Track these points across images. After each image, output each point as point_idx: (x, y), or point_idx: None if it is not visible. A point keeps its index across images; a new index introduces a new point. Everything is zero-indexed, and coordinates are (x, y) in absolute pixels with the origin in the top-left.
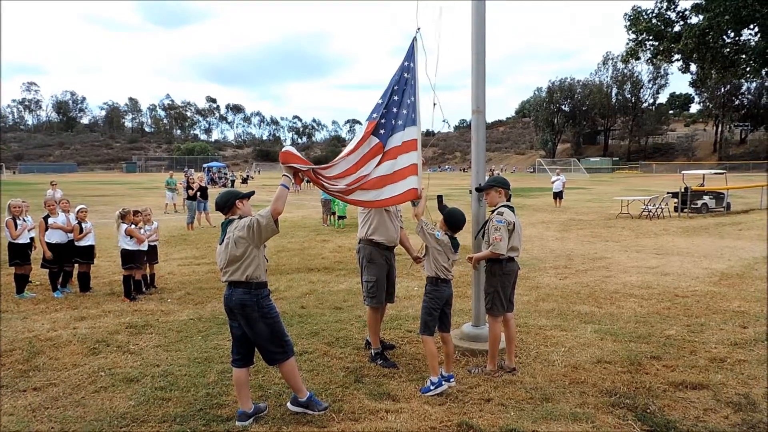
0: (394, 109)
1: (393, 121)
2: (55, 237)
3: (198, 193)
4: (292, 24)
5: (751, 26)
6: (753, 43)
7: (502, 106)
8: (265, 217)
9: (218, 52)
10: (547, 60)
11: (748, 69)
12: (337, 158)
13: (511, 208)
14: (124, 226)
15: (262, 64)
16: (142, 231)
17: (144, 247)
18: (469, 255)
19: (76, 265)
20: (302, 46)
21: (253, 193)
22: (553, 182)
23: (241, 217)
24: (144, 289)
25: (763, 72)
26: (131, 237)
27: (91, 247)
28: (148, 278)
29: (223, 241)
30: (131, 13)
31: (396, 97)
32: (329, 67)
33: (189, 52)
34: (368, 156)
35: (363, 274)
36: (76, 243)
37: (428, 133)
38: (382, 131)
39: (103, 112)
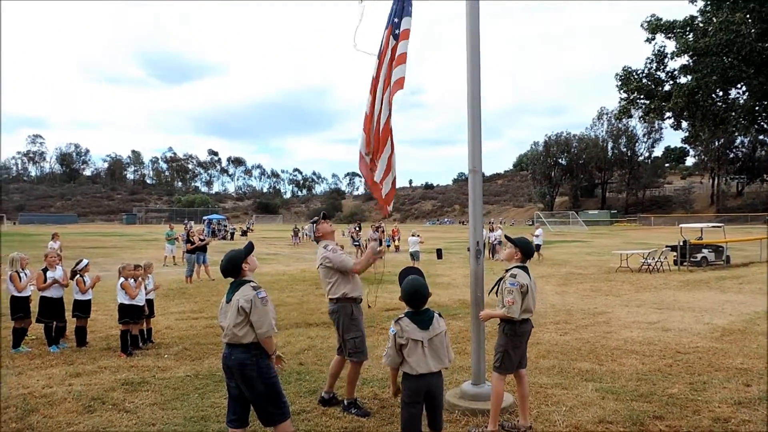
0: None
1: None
2: (51, 291)
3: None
4: (293, 79)
5: (738, 85)
6: (741, 102)
7: (500, 160)
8: (265, 327)
9: (221, 106)
10: (543, 114)
11: (738, 126)
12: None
13: (525, 269)
14: (122, 280)
15: (264, 118)
16: (144, 283)
17: (141, 301)
18: (482, 312)
19: (75, 319)
20: (303, 100)
21: (251, 246)
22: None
23: (252, 282)
24: (141, 344)
25: (753, 129)
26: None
27: (89, 302)
28: (145, 333)
29: (230, 300)
30: (136, 70)
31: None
32: (329, 121)
33: (192, 106)
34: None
35: (348, 332)
36: (76, 297)
37: (427, 186)
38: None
39: (106, 164)
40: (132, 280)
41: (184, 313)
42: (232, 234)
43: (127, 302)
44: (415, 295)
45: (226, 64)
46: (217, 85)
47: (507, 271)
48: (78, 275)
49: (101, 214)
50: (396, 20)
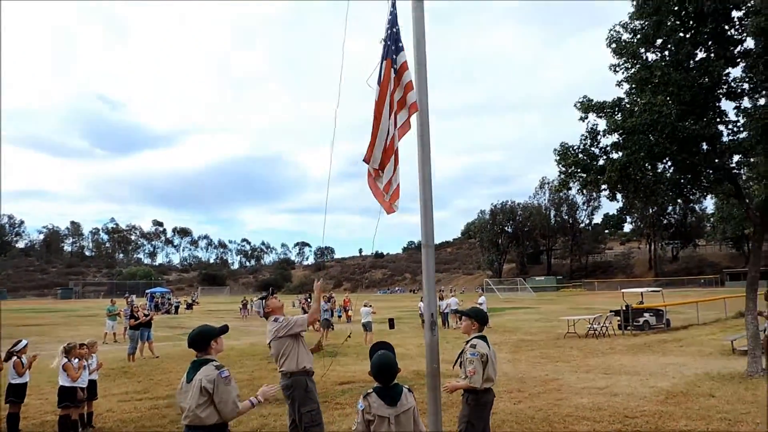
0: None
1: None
2: None
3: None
4: (244, 149)
5: (664, 161)
6: (668, 175)
7: (448, 228)
8: (230, 407)
9: (168, 177)
10: (489, 184)
11: (666, 197)
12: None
13: (484, 339)
14: (64, 361)
15: (213, 188)
16: (86, 363)
17: (83, 383)
18: (446, 384)
19: (7, 405)
20: (253, 170)
21: (226, 328)
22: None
23: (214, 362)
24: (80, 430)
25: (680, 200)
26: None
27: (25, 385)
28: (85, 417)
29: (191, 379)
30: (78, 140)
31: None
32: (280, 191)
33: (138, 176)
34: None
35: (304, 405)
36: (12, 381)
37: (378, 255)
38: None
39: (42, 236)
40: (75, 360)
41: (127, 393)
42: (177, 307)
43: (68, 384)
44: (383, 370)
45: (177, 134)
46: (167, 156)
47: (467, 342)
48: (15, 356)
49: (34, 288)
50: (394, 56)
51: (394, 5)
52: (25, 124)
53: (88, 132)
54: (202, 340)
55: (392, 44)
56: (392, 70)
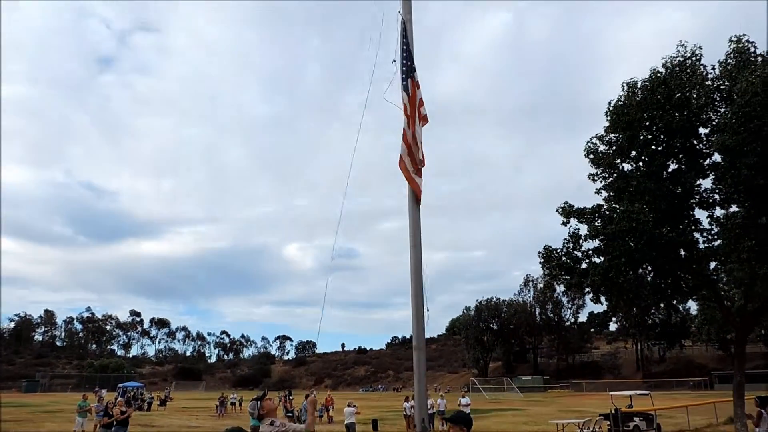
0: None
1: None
2: None
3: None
4: (228, 239)
5: (645, 265)
6: (649, 279)
7: (433, 324)
8: None
9: (150, 266)
10: (473, 280)
11: (648, 300)
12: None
13: None
14: None
15: (194, 280)
16: None
17: None
18: None
19: None
20: (235, 263)
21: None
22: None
23: None
24: None
25: (662, 303)
26: None
27: None
28: None
29: None
30: (61, 227)
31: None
32: (262, 283)
33: (119, 265)
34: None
35: None
36: None
37: (360, 351)
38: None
39: (12, 324)
40: None
41: None
42: (150, 403)
43: None
44: None
45: (161, 224)
46: (150, 244)
47: None
48: None
49: None
50: (413, 74)
51: (405, 36)
52: (6, 210)
53: (72, 219)
54: None
55: (410, 63)
56: (416, 87)
